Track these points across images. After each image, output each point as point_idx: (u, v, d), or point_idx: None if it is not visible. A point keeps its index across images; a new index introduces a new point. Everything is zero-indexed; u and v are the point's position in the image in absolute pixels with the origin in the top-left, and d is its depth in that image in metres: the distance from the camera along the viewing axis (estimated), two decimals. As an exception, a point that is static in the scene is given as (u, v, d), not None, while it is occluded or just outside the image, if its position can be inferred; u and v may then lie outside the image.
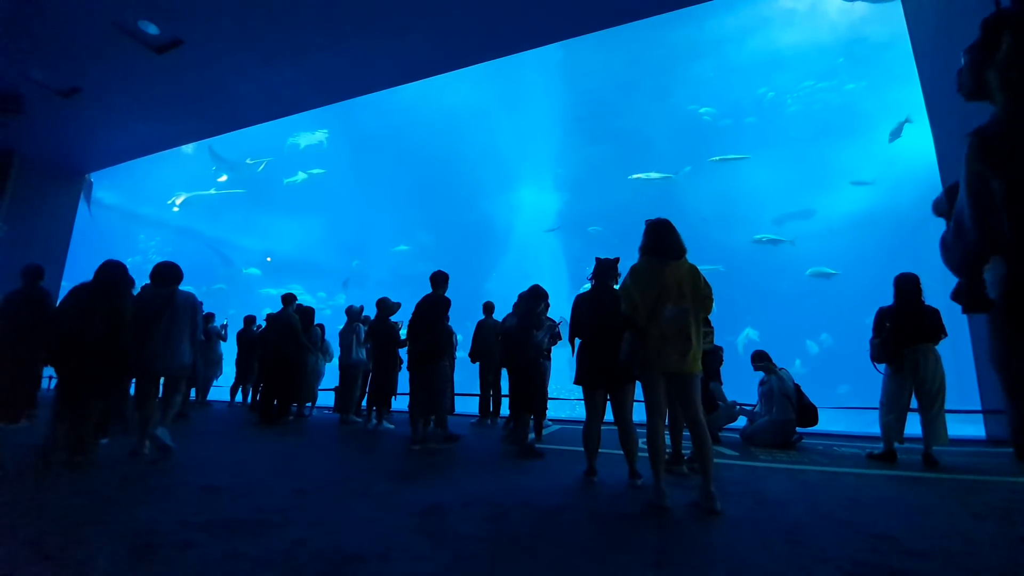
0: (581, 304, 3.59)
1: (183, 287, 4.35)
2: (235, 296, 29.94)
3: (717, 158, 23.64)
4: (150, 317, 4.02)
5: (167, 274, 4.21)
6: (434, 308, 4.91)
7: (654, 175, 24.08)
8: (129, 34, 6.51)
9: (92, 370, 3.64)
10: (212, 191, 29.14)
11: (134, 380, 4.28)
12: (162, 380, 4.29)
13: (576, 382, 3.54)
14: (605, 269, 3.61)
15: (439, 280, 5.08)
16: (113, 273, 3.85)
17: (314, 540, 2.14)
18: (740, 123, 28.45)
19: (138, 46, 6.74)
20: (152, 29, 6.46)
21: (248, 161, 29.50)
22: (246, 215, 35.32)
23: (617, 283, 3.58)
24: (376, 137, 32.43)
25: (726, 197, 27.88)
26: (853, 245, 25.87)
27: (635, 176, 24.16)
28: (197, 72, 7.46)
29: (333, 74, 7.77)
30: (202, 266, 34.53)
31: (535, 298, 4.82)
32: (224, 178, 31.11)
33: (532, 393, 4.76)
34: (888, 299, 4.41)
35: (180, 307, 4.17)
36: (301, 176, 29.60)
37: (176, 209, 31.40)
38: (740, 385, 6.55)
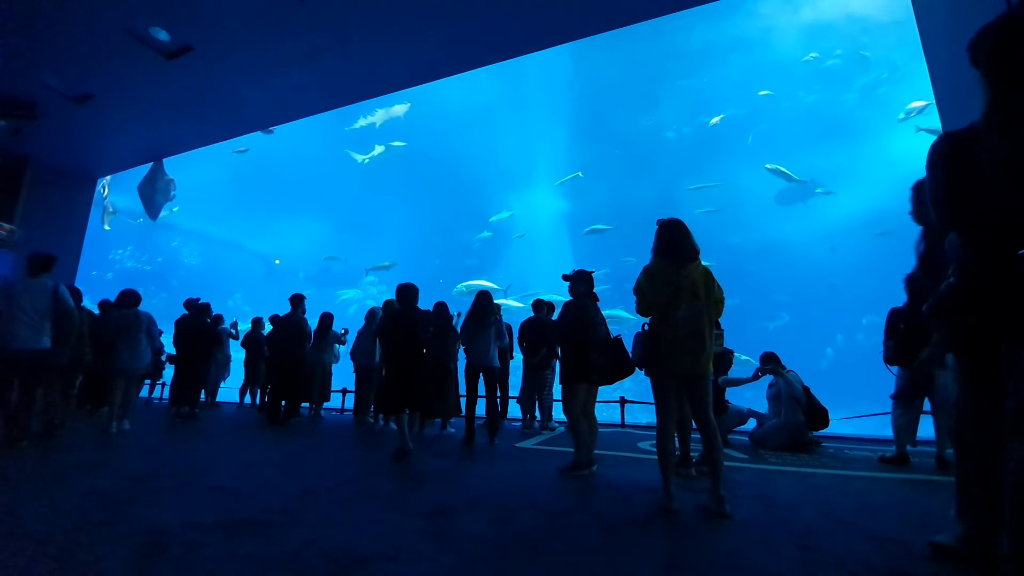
0: (565, 315, 3.86)
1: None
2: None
3: (559, 181, 26.33)
4: (121, 331, 5.37)
5: (130, 298, 5.62)
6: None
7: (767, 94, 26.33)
8: (140, 40, 6.61)
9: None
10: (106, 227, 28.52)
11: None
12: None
13: (560, 381, 3.91)
14: (579, 280, 3.86)
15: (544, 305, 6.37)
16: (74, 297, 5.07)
17: (322, 541, 2.15)
18: (742, 126, 28.33)
19: (149, 52, 6.83)
20: (163, 35, 6.54)
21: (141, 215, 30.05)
22: (254, 217, 35.61)
23: (592, 289, 3.94)
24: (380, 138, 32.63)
25: (728, 198, 27.73)
26: (865, 245, 25.58)
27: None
28: (207, 77, 7.55)
29: (342, 77, 7.81)
30: (238, 272, 34.84)
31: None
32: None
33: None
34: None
35: (142, 323, 5.49)
36: (379, 149, 29.25)
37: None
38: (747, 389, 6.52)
